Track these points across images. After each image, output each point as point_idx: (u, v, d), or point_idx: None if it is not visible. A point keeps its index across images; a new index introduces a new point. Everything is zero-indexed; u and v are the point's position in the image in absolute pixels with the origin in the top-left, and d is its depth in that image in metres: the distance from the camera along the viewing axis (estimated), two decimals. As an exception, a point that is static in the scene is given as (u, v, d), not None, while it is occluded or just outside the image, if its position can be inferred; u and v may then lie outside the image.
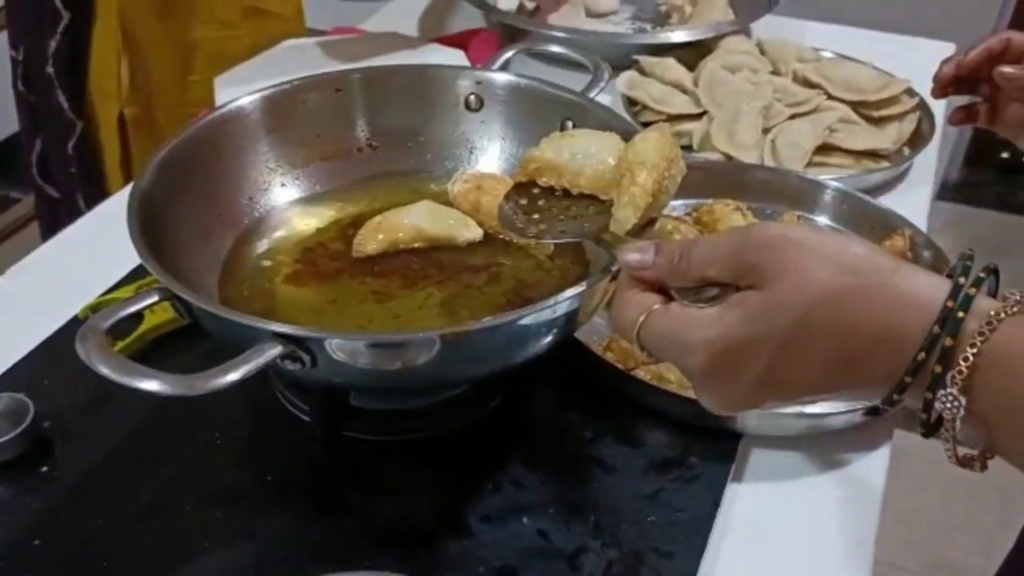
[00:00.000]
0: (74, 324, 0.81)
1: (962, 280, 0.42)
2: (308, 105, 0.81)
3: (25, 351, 0.79)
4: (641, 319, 0.48)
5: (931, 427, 0.43)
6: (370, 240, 0.75)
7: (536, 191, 0.69)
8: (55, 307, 0.82)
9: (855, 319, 0.42)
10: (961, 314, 0.41)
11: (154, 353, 0.78)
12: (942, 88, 0.87)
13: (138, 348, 0.78)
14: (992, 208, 2.79)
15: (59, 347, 0.79)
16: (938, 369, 0.41)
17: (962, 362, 0.40)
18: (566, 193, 0.68)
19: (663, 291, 0.50)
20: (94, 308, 0.81)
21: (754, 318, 0.44)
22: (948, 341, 0.40)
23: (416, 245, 0.75)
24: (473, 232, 0.75)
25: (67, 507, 0.67)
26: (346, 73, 0.83)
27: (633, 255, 0.50)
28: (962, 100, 0.89)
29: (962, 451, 0.45)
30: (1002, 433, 0.42)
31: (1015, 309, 0.40)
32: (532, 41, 0.95)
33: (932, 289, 0.42)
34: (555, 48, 0.91)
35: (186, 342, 0.78)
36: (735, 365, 0.45)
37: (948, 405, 0.41)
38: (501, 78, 0.82)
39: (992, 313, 0.40)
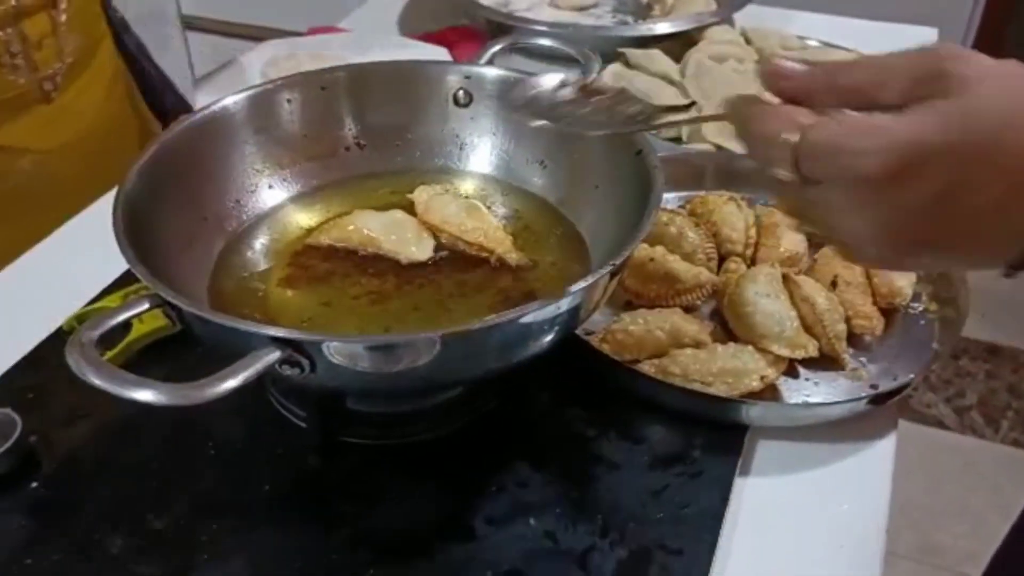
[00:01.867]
0: (59, 335, 0.79)
1: None
2: (293, 104, 0.79)
3: (9, 364, 0.77)
4: (793, 135, 0.42)
5: None
6: (323, 234, 0.75)
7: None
8: (38, 318, 0.80)
9: None
10: None
11: (143, 363, 0.76)
12: None
13: (127, 358, 0.76)
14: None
15: (44, 359, 0.77)
16: None
17: None
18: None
19: None
20: (80, 318, 0.78)
21: (950, 123, 0.39)
22: None
23: (368, 251, 0.74)
24: (423, 251, 0.74)
25: (57, 524, 0.65)
26: (331, 71, 0.81)
27: (774, 67, 0.45)
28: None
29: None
30: None
31: None
32: (520, 35, 0.93)
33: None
34: (545, 41, 0.90)
35: (175, 350, 0.76)
36: (915, 175, 0.40)
37: None
38: (490, 72, 0.80)
39: None
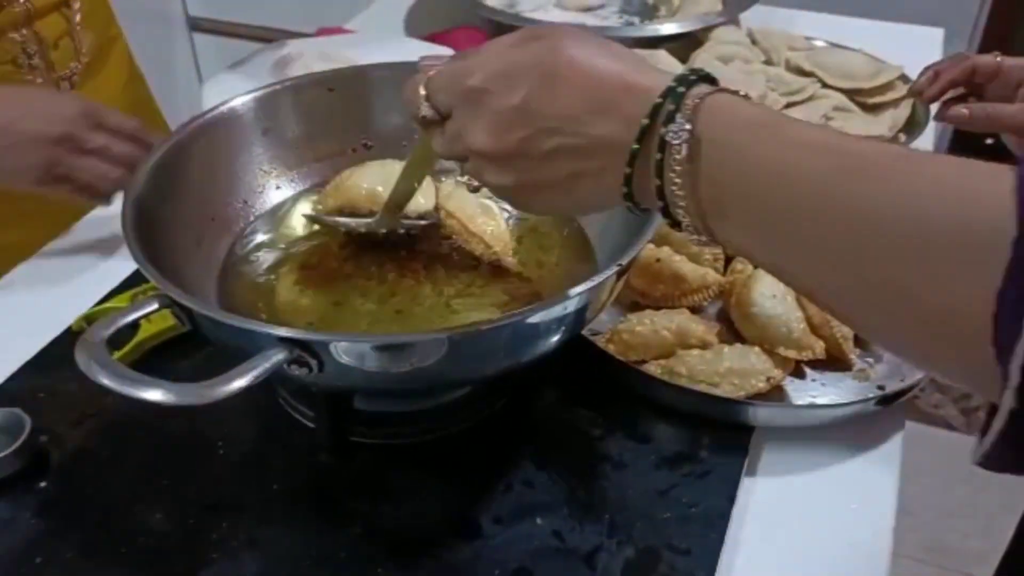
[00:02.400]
0: (68, 336, 0.79)
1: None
2: (301, 105, 0.79)
3: (18, 364, 0.77)
4: (426, 77, 0.54)
5: (662, 178, 0.47)
6: (328, 197, 0.76)
7: None
8: (47, 319, 0.81)
9: (606, 70, 0.48)
10: (693, 76, 0.47)
11: (152, 363, 0.76)
12: (921, 94, 0.89)
13: (135, 359, 0.76)
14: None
15: (53, 359, 0.78)
16: (671, 107, 0.46)
17: (690, 103, 0.45)
18: None
19: None
20: (89, 319, 0.79)
21: (531, 51, 0.50)
22: (681, 89, 0.46)
23: (372, 208, 0.74)
24: (427, 203, 0.75)
25: (67, 523, 0.65)
26: (339, 72, 0.81)
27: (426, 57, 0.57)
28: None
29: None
30: (717, 182, 0.46)
31: (727, 90, 0.47)
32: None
33: (669, 73, 0.49)
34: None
35: (183, 351, 0.77)
36: (506, 84, 0.50)
37: (676, 132, 0.45)
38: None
39: (711, 88, 0.47)
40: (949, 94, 0.86)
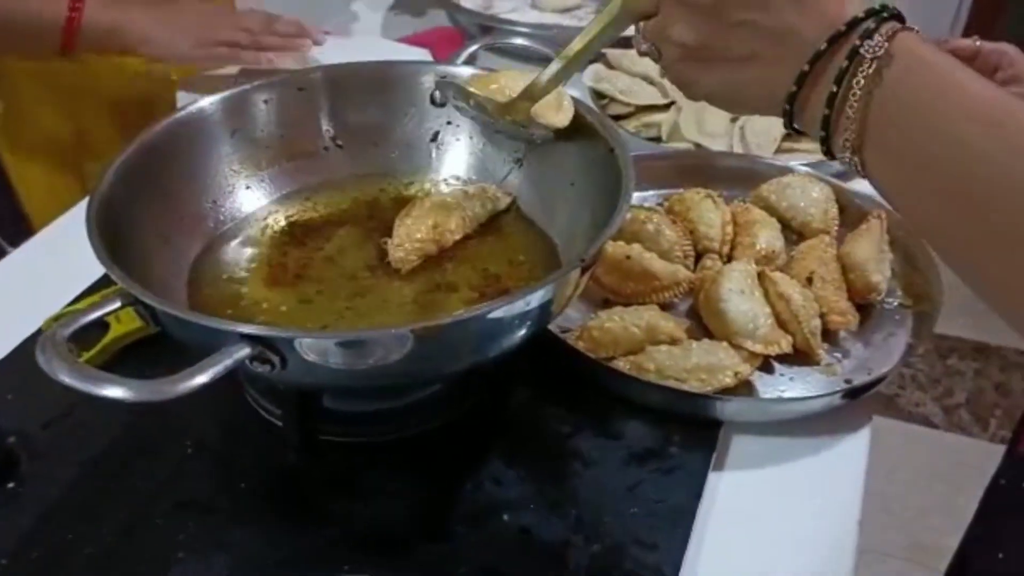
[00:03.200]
0: (38, 336, 0.79)
1: None
2: (270, 105, 0.79)
3: (-13, 367, 0.77)
4: None
5: (834, 99, 0.49)
6: (471, 84, 0.74)
7: None
8: (17, 321, 0.80)
9: None
10: (888, 12, 0.49)
11: (121, 363, 0.76)
12: None
13: (104, 359, 0.76)
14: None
15: (22, 361, 0.77)
16: (871, 24, 0.48)
17: (887, 29, 0.47)
18: None
19: None
20: (57, 319, 0.79)
21: None
22: (884, 14, 0.48)
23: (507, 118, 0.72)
24: (563, 119, 0.73)
25: (35, 525, 0.65)
26: (308, 72, 0.81)
27: None
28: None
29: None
30: (888, 114, 0.48)
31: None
32: (496, 35, 0.94)
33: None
34: (519, 41, 0.90)
35: (153, 351, 0.76)
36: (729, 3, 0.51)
37: (872, 47, 0.47)
38: (465, 71, 0.81)
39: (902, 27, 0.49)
40: None
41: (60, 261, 0.89)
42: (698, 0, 0.52)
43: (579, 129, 0.75)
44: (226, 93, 0.77)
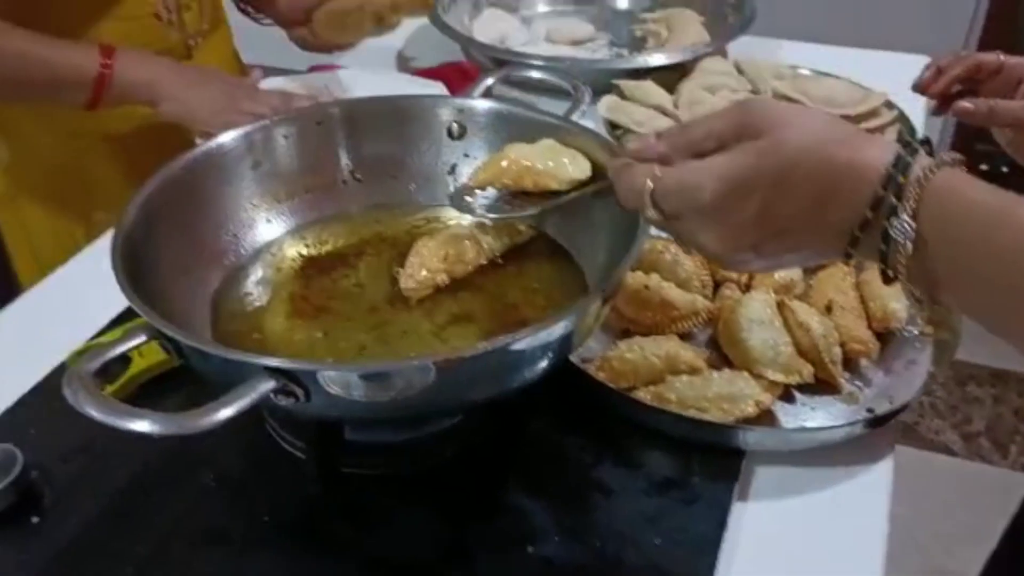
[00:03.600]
0: (61, 371, 0.80)
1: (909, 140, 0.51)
2: (289, 140, 0.80)
3: (11, 400, 0.78)
4: (650, 183, 0.56)
5: (887, 261, 0.50)
6: (482, 170, 0.75)
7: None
8: (41, 354, 0.81)
9: (830, 161, 0.50)
10: (910, 159, 0.49)
11: (143, 397, 0.77)
12: (925, 90, 0.94)
13: (127, 393, 0.76)
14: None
15: (46, 395, 0.78)
16: (893, 200, 0.48)
17: (912, 192, 0.48)
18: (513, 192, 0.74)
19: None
20: (81, 354, 0.79)
21: (757, 157, 0.52)
22: (900, 178, 0.49)
23: (525, 185, 0.73)
24: (581, 170, 0.73)
25: (59, 559, 0.65)
26: (325, 106, 0.82)
27: (635, 143, 0.59)
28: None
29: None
30: (944, 265, 0.49)
31: (947, 161, 0.49)
32: (511, 68, 0.95)
33: (886, 142, 0.51)
34: (535, 74, 0.91)
35: (176, 385, 0.77)
36: (739, 199, 0.52)
37: (900, 229, 0.48)
38: (482, 105, 0.82)
39: (931, 163, 0.49)
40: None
41: (83, 295, 0.90)
42: (728, 251, 0.54)
43: (593, 156, 0.75)
44: (247, 128, 0.78)
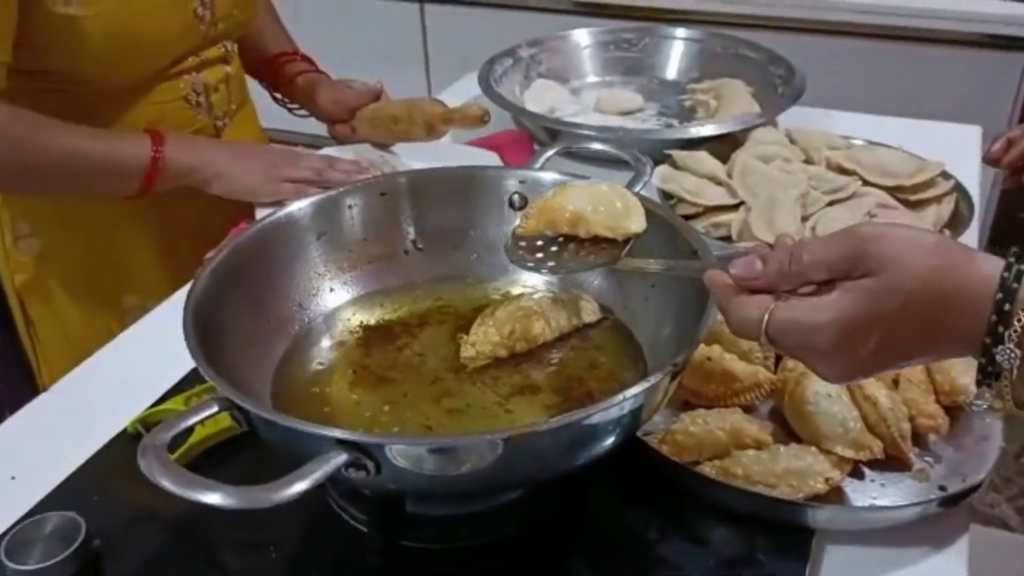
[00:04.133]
0: (123, 438, 0.80)
1: (1011, 260, 0.54)
2: (355, 210, 0.82)
3: (73, 467, 0.78)
4: (766, 316, 0.57)
5: (990, 377, 0.54)
6: (531, 217, 0.75)
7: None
8: (103, 421, 0.82)
9: (942, 291, 0.53)
10: (1015, 285, 0.52)
11: (206, 464, 0.77)
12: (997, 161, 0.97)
13: (188, 460, 0.76)
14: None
15: (108, 462, 0.78)
16: (1000, 328, 0.52)
17: (1016, 323, 0.51)
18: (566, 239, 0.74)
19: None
20: (144, 421, 0.80)
21: (875, 299, 0.54)
22: (1007, 306, 0.51)
23: (577, 232, 0.73)
24: (637, 223, 0.72)
25: (120, 629, 0.65)
26: (391, 177, 0.84)
27: (741, 269, 0.59)
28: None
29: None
30: None
31: None
32: (572, 140, 0.96)
33: (992, 265, 0.53)
34: (597, 145, 0.92)
35: (234, 452, 0.77)
36: (858, 339, 0.54)
37: (1007, 357, 0.52)
38: (546, 176, 0.82)
39: None
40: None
41: (141, 362, 0.92)
42: (845, 382, 0.59)
43: (657, 229, 0.75)
44: (314, 199, 0.79)
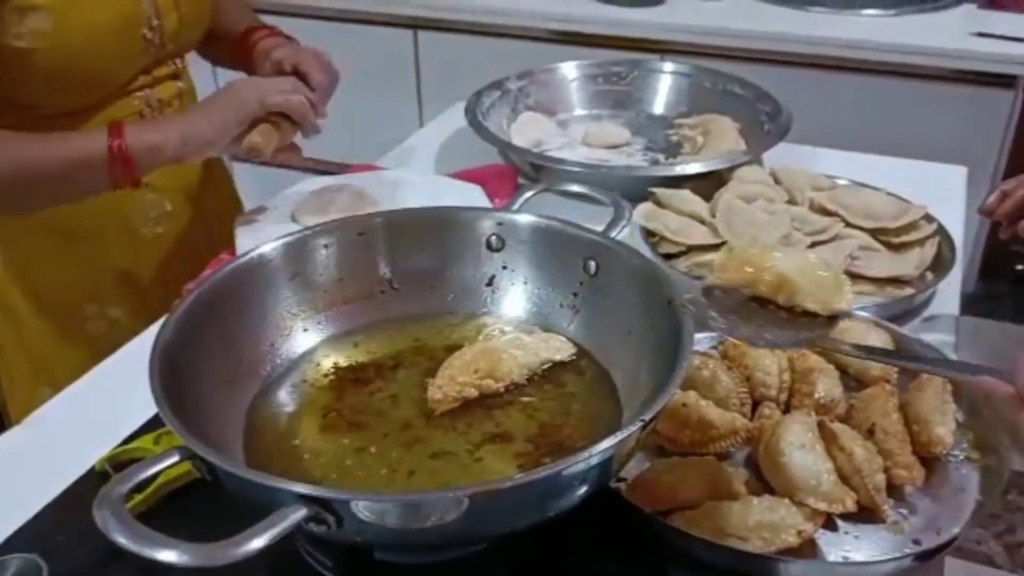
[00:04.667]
0: (91, 476, 0.79)
1: None
2: (330, 249, 0.81)
3: (39, 506, 0.77)
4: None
5: None
6: (729, 269, 0.72)
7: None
8: (72, 458, 0.81)
9: None
10: None
11: (168, 508, 0.76)
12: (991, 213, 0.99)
13: (151, 504, 0.75)
14: (1010, 320, 2.78)
15: (75, 501, 0.77)
16: None
17: None
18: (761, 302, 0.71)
19: None
20: (111, 460, 0.79)
21: None
22: None
23: (776, 297, 0.70)
24: (842, 300, 0.69)
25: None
26: (368, 217, 0.83)
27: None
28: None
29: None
30: None
31: None
32: (552, 180, 0.96)
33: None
34: (575, 188, 0.91)
35: (201, 494, 0.76)
36: None
37: None
38: (523, 219, 0.82)
39: None
40: None
41: (113, 397, 0.90)
42: None
43: (635, 277, 0.75)
44: (287, 239, 0.79)
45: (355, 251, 0.82)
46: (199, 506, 0.75)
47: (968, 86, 1.93)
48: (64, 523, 0.75)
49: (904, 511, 0.75)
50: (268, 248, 0.78)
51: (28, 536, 0.74)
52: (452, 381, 0.74)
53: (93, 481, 0.79)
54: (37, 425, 0.89)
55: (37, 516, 0.76)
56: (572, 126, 1.50)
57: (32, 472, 0.82)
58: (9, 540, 0.73)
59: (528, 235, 0.82)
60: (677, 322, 0.68)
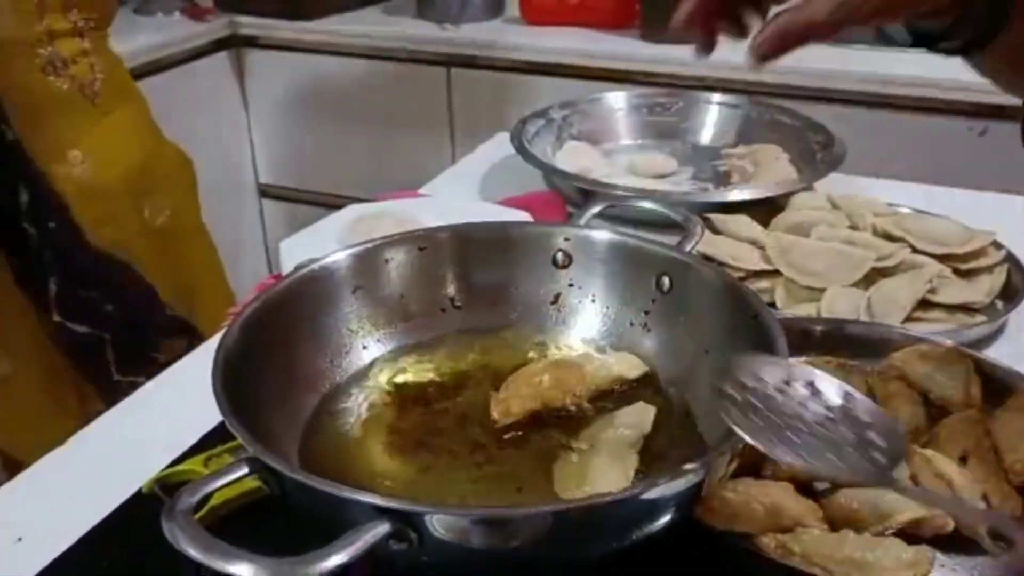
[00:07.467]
0: (138, 499, 0.75)
1: None
2: (392, 263, 0.78)
3: (84, 529, 0.73)
4: None
5: None
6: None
7: None
8: (116, 481, 0.77)
9: None
10: None
11: (227, 528, 0.71)
12: None
13: (211, 521, 0.71)
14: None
15: (121, 524, 0.73)
16: None
17: None
18: None
19: None
20: (161, 482, 0.75)
21: None
22: None
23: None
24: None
25: None
26: (432, 231, 0.80)
27: None
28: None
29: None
30: None
31: None
32: (618, 199, 0.93)
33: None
34: (647, 204, 0.88)
35: (258, 515, 0.72)
36: None
37: None
38: (593, 234, 0.79)
39: None
40: None
41: (157, 419, 0.87)
42: None
43: (714, 292, 0.71)
44: (352, 250, 0.76)
45: (418, 266, 0.79)
46: (256, 530, 0.70)
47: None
48: (109, 548, 0.71)
49: (1002, 544, 0.70)
50: (332, 259, 0.75)
51: (71, 562, 0.70)
52: (515, 393, 0.71)
53: (140, 503, 0.75)
54: (81, 446, 0.85)
55: (80, 541, 0.72)
56: (617, 156, 1.47)
57: (76, 494, 0.78)
58: (53, 564, 0.69)
59: (599, 250, 0.78)
60: (767, 336, 0.64)
